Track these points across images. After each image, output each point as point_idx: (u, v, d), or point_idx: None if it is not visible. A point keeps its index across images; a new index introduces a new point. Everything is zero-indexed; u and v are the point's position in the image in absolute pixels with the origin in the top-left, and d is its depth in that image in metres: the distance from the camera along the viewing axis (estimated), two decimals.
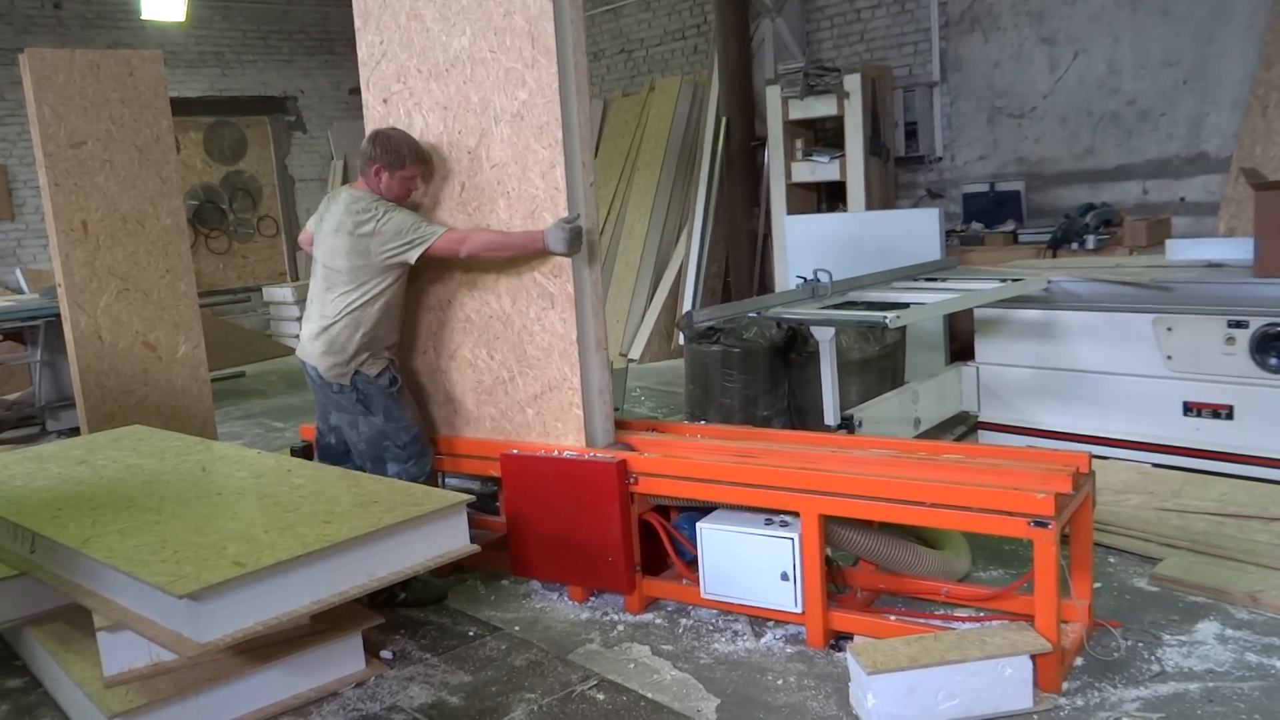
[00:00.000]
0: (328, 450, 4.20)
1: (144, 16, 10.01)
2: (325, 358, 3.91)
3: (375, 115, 4.24)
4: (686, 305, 8.84)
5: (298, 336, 12.47)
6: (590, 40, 10.30)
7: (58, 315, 5.72)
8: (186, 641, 2.74)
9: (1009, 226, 7.60)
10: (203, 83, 11.46)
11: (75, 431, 6.08)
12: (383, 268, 3.87)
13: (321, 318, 3.93)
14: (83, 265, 5.45)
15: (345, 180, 11.86)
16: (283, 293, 11.53)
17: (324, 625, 3.26)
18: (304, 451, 4.59)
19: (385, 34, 4.16)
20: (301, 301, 11.40)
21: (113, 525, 3.20)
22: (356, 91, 13.03)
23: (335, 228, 3.90)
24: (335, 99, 12.42)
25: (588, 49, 4.00)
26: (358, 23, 4.27)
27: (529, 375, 3.95)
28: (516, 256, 3.84)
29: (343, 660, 3.32)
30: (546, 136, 3.72)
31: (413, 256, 3.85)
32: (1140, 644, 3.20)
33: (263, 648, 3.14)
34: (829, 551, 3.42)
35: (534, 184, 3.79)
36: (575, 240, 3.68)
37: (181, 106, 9.23)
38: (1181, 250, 5.70)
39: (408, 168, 3.92)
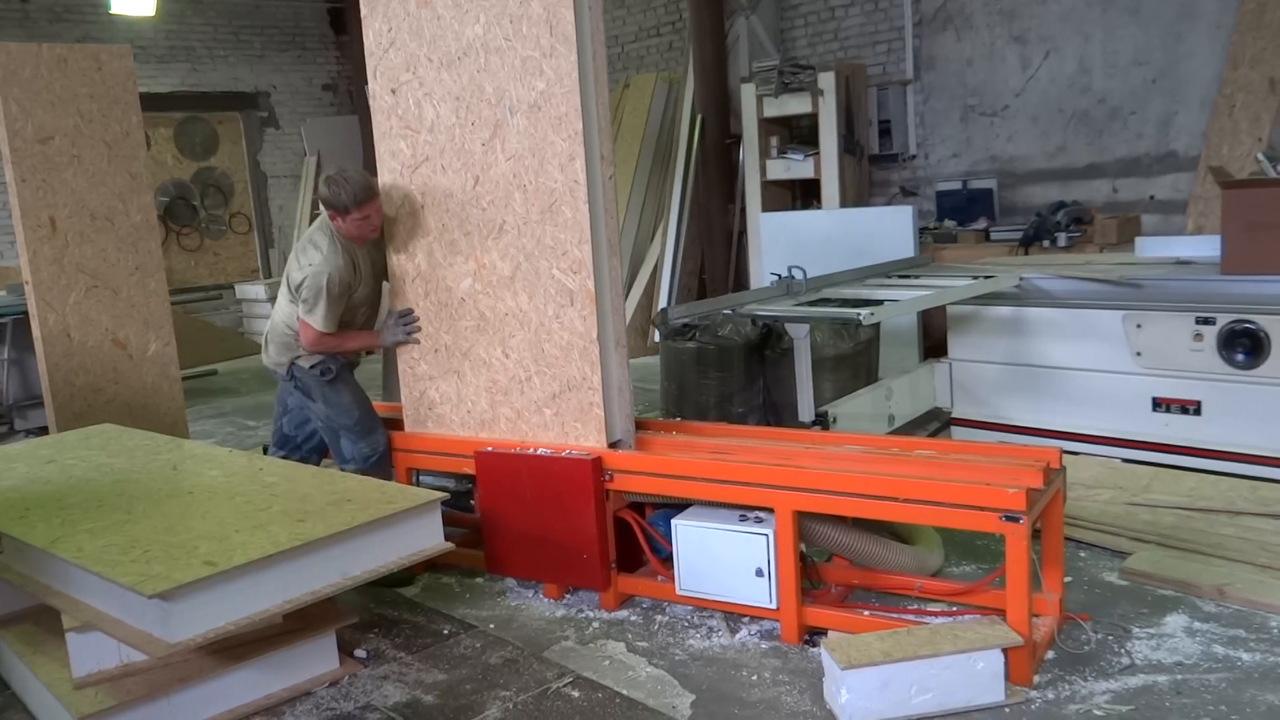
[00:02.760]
0: (277, 433, 4.52)
1: (113, 10, 9.86)
2: (269, 348, 4.27)
3: (383, 105, 4.10)
4: (662, 302, 8.85)
5: None
6: None
7: (25, 313, 5.64)
8: (157, 642, 2.72)
9: (981, 224, 7.67)
10: (173, 78, 11.33)
11: (44, 430, 6.00)
12: None
13: (275, 313, 4.26)
14: (51, 262, 5.37)
15: (318, 175, 11.78)
16: (255, 290, 11.42)
17: (297, 624, 3.24)
18: None
19: (394, 21, 4.01)
20: (274, 299, 11.31)
21: (82, 525, 3.16)
22: (330, 87, 13.12)
23: (300, 243, 4.12)
24: (308, 94, 12.30)
25: None
26: (364, 10, 4.10)
27: (547, 374, 3.82)
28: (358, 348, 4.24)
29: (316, 659, 3.30)
30: (565, 128, 3.58)
31: (299, 313, 4.03)
32: (1110, 637, 3.23)
33: (235, 647, 3.11)
34: (803, 547, 3.44)
35: (552, 176, 3.67)
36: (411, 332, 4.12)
37: (151, 102, 9.12)
38: (1151, 248, 5.78)
39: (353, 212, 3.90)
